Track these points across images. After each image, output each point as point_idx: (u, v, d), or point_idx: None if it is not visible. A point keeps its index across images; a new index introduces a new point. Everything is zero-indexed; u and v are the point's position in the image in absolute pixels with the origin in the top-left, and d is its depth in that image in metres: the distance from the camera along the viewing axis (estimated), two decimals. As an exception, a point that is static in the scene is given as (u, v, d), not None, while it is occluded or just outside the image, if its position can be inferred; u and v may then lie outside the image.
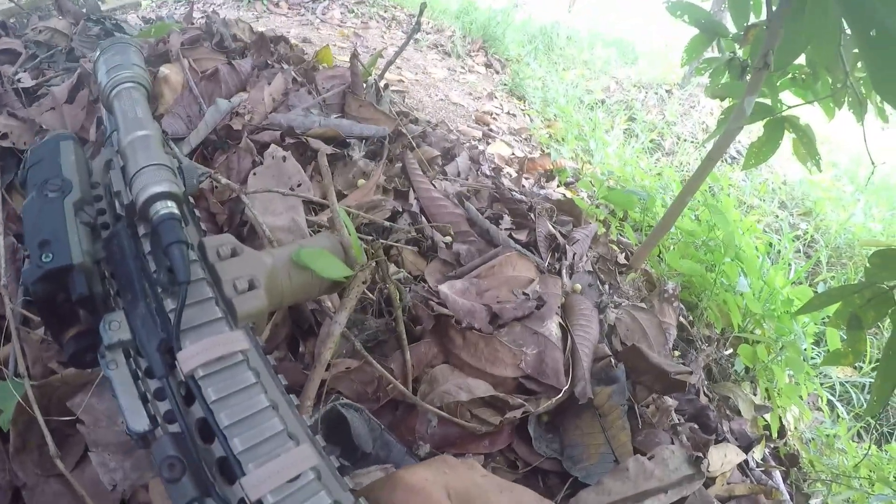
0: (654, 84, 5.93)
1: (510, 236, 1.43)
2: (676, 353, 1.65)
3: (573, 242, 1.55)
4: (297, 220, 1.18)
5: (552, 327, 1.11)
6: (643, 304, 1.48)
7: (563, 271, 1.37)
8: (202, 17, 2.37)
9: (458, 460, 0.55)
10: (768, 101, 1.71)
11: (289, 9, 5.09)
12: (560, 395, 1.06)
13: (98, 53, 0.71)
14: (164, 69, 1.65)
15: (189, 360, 0.48)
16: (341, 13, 5.15)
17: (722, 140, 1.61)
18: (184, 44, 1.84)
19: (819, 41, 1.39)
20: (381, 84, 1.86)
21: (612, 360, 1.17)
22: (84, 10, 2.61)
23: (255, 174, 1.29)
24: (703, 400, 1.47)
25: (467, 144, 2.55)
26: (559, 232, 1.62)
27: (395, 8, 5.70)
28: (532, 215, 1.61)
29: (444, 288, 1.12)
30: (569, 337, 1.16)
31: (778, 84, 1.79)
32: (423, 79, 4.16)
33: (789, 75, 1.82)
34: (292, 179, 1.29)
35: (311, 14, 4.97)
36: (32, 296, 0.52)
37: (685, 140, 4.74)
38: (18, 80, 1.78)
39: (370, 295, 1.13)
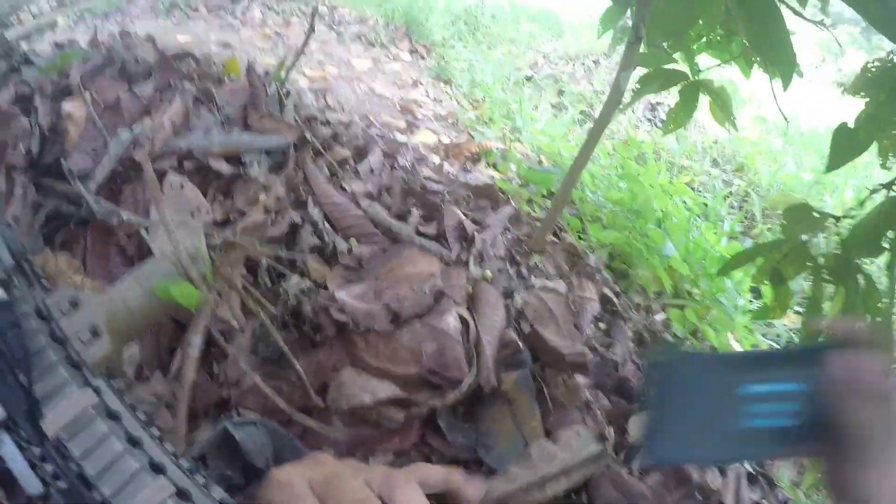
0: (582, 55, 5.98)
1: (417, 231, 1.46)
2: (602, 325, 1.69)
3: (484, 229, 1.58)
4: (198, 246, 1.20)
5: (450, 321, 1.14)
6: (557, 283, 1.51)
7: (471, 260, 1.41)
8: (114, 36, 2.35)
9: (326, 456, 0.61)
10: (682, 68, 1.75)
11: (208, 13, 5.02)
12: (462, 385, 1.10)
13: None
14: (66, 106, 1.63)
15: (50, 427, 0.52)
16: (261, 13, 5.10)
17: (604, 112, 1.65)
18: (85, 74, 1.82)
19: (699, 11, 1.44)
20: (284, 91, 1.86)
21: (520, 345, 1.21)
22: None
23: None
24: (630, 368, 1.52)
25: (386, 138, 2.57)
26: (471, 219, 1.65)
27: (316, 1, 5.66)
28: (442, 207, 1.64)
29: (341, 294, 1.15)
30: (472, 327, 1.19)
31: (694, 47, 1.82)
32: (347, 72, 4.15)
33: (703, 38, 1.86)
34: (192, 205, 1.30)
35: (230, 17, 4.92)
36: None
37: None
38: None
39: (272, 308, 1.15)
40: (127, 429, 0.54)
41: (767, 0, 1.25)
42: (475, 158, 2.85)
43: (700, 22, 1.52)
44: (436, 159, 2.60)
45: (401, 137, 2.87)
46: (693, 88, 1.76)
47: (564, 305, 1.37)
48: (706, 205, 3.04)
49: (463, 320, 1.18)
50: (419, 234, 1.45)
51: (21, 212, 1.37)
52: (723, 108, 1.79)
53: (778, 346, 2.62)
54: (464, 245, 1.48)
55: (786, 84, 1.37)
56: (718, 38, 1.85)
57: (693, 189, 3.40)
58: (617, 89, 1.55)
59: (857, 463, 0.58)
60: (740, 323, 2.15)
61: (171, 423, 0.94)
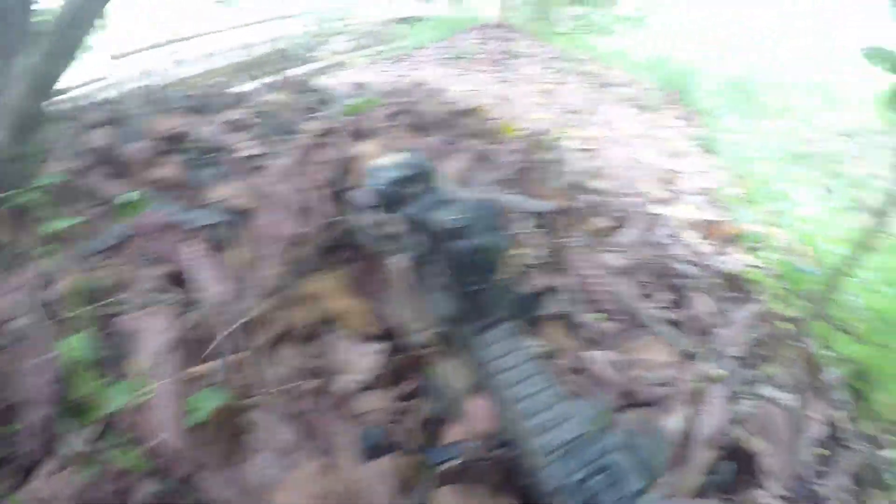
0: (859, 131, 5.50)
1: (660, 316, 1.51)
2: (825, 452, 1.57)
3: (727, 325, 1.59)
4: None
5: (669, 422, 1.18)
6: (788, 395, 1.46)
7: (705, 356, 1.42)
8: (408, 88, 2.63)
9: None
10: None
11: (490, 65, 5.36)
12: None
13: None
14: (361, 146, 1.87)
15: None
16: (539, 69, 5.34)
17: (880, 212, 1.51)
18: (381, 120, 2.08)
19: None
20: (555, 158, 2.00)
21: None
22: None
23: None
24: None
25: (644, 210, 2.60)
26: (717, 311, 1.66)
27: (589, 61, 5.81)
28: (690, 293, 1.67)
29: (588, 355, 1.24)
30: (686, 427, 1.22)
31: None
32: (615, 135, 4.21)
33: None
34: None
35: (509, 71, 5.20)
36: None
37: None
38: (241, 150, 2.02)
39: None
40: None
41: None
42: (732, 240, 2.78)
43: None
44: (692, 237, 2.59)
45: (660, 209, 2.87)
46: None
47: (789, 424, 1.34)
48: None
49: (685, 418, 1.22)
50: (661, 319, 1.50)
51: (312, 232, 1.55)
52: None
53: None
54: (702, 338, 1.50)
55: None
56: None
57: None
58: (892, 199, 1.45)
59: None
60: None
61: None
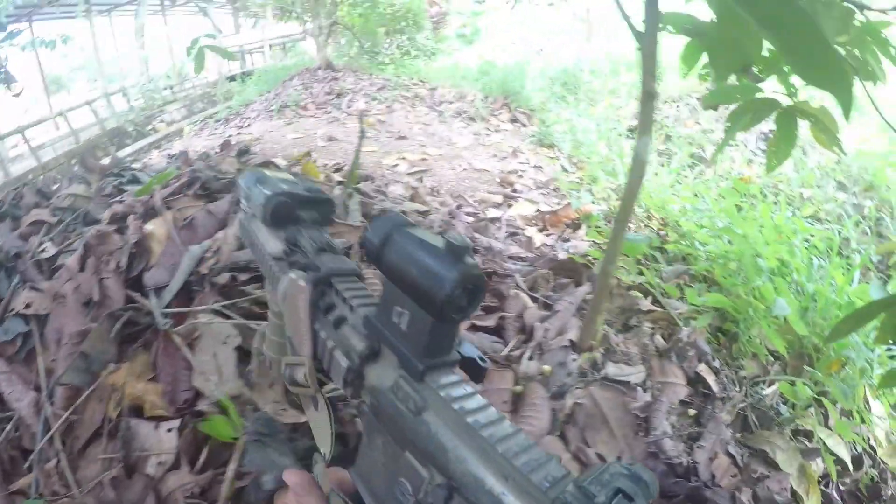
0: (684, 95, 5.73)
1: (473, 325, 1.41)
2: (691, 412, 1.49)
3: (551, 315, 1.50)
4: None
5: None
6: (634, 369, 1.38)
7: (526, 355, 1.33)
8: (204, 154, 2.49)
9: None
10: (773, 94, 1.56)
11: (317, 108, 5.29)
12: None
13: None
14: (149, 225, 1.75)
15: None
16: (365, 102, 5.30)
17: (629, 187, 1.48)
18: (169, 194, 1.93)
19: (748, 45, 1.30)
20: (347, 193, 1.89)
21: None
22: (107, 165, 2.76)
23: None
24: (722, 463, 1.32)
25: (477, 217, 2.53)
26: (544, 303, 1.58)
27: (416, 85, 5.81)
28: (513, 292, 1.58)
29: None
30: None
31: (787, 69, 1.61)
32: (448, 151, 4.19)
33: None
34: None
35: (336, 110, 5.13)
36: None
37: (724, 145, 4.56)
38: (42, 251, 1.89)
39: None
40: None
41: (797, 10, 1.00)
42: (575, 225, 2.74)
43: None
44: (529, 233, 2.53)
45: (496, 213, 2.82)
46: (789, 115, 1.54)
47: (622, 408, 1.24)
48: (831, 239, 2.68)
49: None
50: (475, 328, 1.40)
51: (101, 322, 1.46)
52: (825, 131, 1.54)
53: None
54: (521, 338, 1.40)
55: (846, 111, 1.10)
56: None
57: (820, 220, 3.12)
58: (638, 162, 1.41)
59: None
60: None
61: None
